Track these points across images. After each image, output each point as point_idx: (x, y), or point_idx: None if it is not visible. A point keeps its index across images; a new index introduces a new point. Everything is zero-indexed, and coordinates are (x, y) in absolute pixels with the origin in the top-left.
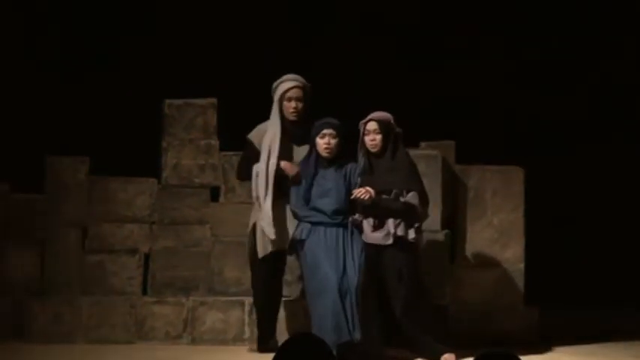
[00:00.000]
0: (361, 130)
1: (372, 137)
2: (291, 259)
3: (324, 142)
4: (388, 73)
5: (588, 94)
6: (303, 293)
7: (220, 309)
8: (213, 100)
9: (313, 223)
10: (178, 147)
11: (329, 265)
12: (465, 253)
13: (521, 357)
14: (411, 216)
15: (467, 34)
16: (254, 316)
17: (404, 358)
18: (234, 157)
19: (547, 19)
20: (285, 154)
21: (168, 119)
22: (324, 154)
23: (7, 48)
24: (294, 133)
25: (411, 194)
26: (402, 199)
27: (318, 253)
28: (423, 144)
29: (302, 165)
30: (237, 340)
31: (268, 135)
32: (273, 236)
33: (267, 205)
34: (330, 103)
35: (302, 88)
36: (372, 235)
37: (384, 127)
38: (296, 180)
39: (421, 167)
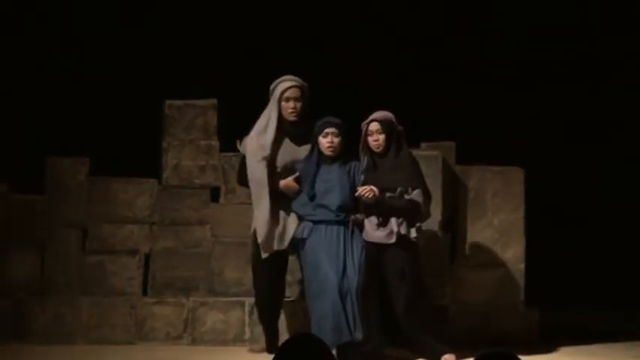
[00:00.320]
0: (363, 130)
1: (375, 137)
2: (292, 260)
3: (327, 140)
4: (388, 74)
5: (589, 93)
6: (303, 294)
7: (221, 309)
8: (214, 101)
9: (315, 222)
10: (179, 148)
11: (329, 265)
12: (465, 253)
13: (521, 357)
14: (416, 214)
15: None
16: (254, 316)
17: (404, 358)
18: (234, 158)
19: (545, 19)
20: (284, 153)
21: (169, 120)
22: (327, 152)
23: (7, 48)
24: (294, 133)
25: (415, 192)
26: (406, 197)
27: (319, 252)
28: (423, 144)
29: (304, 163)
30: (238, 340)
31: (259, 136)
32: (260, 239)
33: (263, 207)
34: (329, 104)
35: (300, 88)
36: (374, 234)
37: (386, 126)
38: (296, 193)
39: (422, 168)
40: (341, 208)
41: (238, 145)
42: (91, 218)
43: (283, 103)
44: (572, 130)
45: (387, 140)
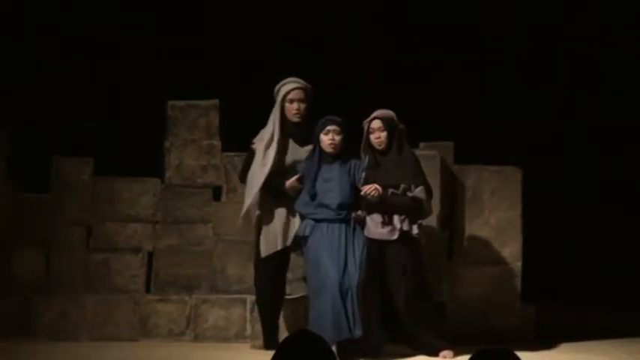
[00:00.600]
0: (365, 128)
1: (377, 135)
2: (293, 258)
3: (329, 138)
4: (387, 75)
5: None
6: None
7: (222, 306)
8: (216, 102)
9: (317, 220)
10: (181, 147)
11: (330, 262)
12: (463, 251)
13: (518, 354)
14: (418, 211)
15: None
16: (255, 313)
17: (403, 354)
18: (235, 158)
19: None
20: (282, 152)
21: (172, 120)
22: (328, 149)
23: (10, 48)
24: (297, 134)
25: (418, 189)
26: (409, 194)
27: (321, 250)
28: (422, 145)
29: (306, 162)
30: (239, 337)
31: (265, 140)
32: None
33: (247, 203)
34: (328, 105)
35: (304, 89)
36: (376, 231)
37: (388, 124)
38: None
39: None
40: (341, 207)
41: (253, 146)
42: (95, 217)
43: (287, 105)
44: (568, 130)
45: (389, 138)
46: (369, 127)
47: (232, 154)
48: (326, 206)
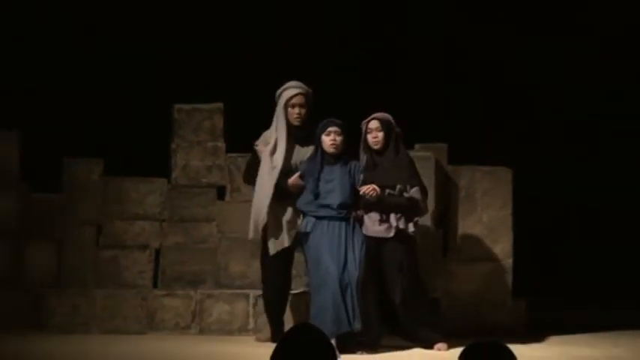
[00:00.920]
0: (363, 129)
1: (374, 135)
2: (298, 255)
3: (330, 138)
4: (387, 76)
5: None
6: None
7: (226, 301)
8: (220, 105)
9: (318, 217)
10: (187, 149)
11: (330, 259)
12: (456, 248)
13: (509, 346)
14: (414, 210)
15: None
16: (258, 307)
17: (400, 347)
18: (239, 159)
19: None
20: (288, 154)
21: (178, 123)
22: (330, 150)
23: (24, 52)
24: (298, 136)
25: (414, 189)
26: (405, 194)
27: (321, 246)
28: (417, 146)
29: (308, 163)
30: (243, 330)
31: (270, 145)
32: (250, 238)
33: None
34: (328, 106)
35: (305, 94)
36: (373, 229)
37: (385, 125)
38: (299, 191)
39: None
40: (342, 206)
41: (256, 147)
42: (104, 215)
43: (289, 109)
44: (560, 131)
45: (386, 138)
46: (366, 127)
47: (236, 155)
48: (327, 206)
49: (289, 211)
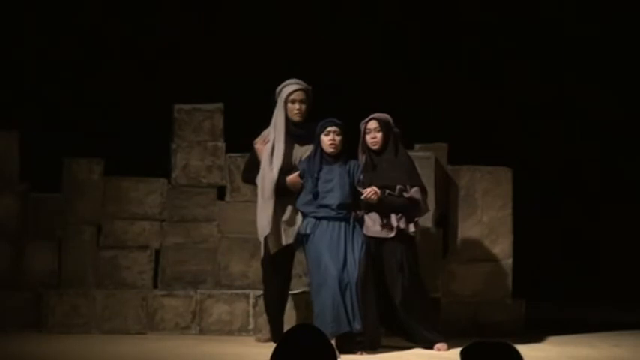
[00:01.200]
0: (362, 129)
1: (373, 135)
2: (298, 255)
3: (329, 139)
4: (385, 77)
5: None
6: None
7: (226, 301)
8: (220, 105)
9: (317, 218)
10: (187, 149)
11: (330, 258)
12: (456, 248)
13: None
14: (415, 211)
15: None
16: (258, 307)
17: (400, 346)
18: (239, 159)
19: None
20: (287, 153)
21: (178, 123)
22: (329, 150)
23: (24, 52)
24: (297, 133)
25: (414, 189)
26: (405, 195)
27: (321, 247)
28: (417, 146)
29: (307, 162)
30: (243, 330)
31: (270, 144)
32: (261, 238)
33: (267, 215)
34: (326, 107)
35: (305, 91)
36: (374, 229)
37: (384, 125)
38: (298, 190)
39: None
40: (341, 207)
41: (255, 146)
42: (105, 215)
43: (289, 105)
44: (558, 132)
45: (385, 139)
46: (365, 127)
47: (236, 155)
48: (327, 206)
49: (289, 209)
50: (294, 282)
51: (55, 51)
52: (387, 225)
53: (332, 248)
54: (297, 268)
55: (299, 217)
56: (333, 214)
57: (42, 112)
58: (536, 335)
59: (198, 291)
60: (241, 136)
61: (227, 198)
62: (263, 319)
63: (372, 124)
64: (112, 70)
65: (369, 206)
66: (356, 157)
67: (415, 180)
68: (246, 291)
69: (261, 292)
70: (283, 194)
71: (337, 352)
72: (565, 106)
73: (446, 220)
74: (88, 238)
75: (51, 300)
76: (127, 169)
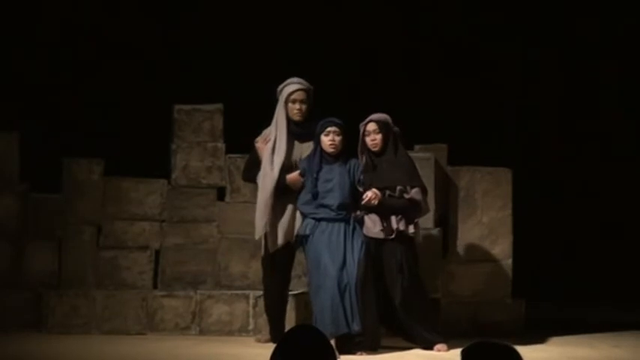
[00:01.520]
0: (361, 131)
1: (372, 137)
2: (298, 255)
3: (329, 139)
4: (385, 77)
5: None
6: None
7: (226, 302)
8: (220, 106)
9: (317, 219)
10: (187, 150)
11: (330, 259)
12: (456, 249)
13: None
14: (415, 211)
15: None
16: (258, 308)
17: (399, 347)
18: (239, 160)
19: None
20: (288, 151)
21: (178, 123)
22: (329, 150)
23: (21, 52)
24: (297, 132)
25: (414, 190)
26: (406, 195)
27: (321, 248)
28: (417, 147)
29: (307, 162)
30: (243, 331)
31: (271, 143)
32: (257, 237)
33: (265, 214)
34: (326, 107)
35: (306, 90)
36: (373, 230)
37: (383, 126)
38: (299, 188)
39: None
40: (341, 207)
41: (256, 144)
42: (104, 216)
43: (290, 105)
44: (556, 132)
45: (384, 140)
46: (364, 129)
47: (236, 155)
48: (327, 207)
49: (289, 208)
50: (294, 283)
51: (55, 51)
52: (386, 223)
53: (331, 249)
54: (297, 269)
55: (299, 217)
56: (332, 214)
57: (42, 112)
58: (536, 335)
59: (198, 292)
60: (241, 137)
61: (227, 198)
62: (263, 319)
63: (371, 126)
64: (112, 70)
65: (369, 208)
66: (356, 157)
67: (415, 180)
68: (246, 292)
69: (261, 292)
70: (284, 193)
71: (337, 353)
72: (565, 105)
73: (446, 220)
74: (88, 238)
75: (51, 300)
76: (127, 169)
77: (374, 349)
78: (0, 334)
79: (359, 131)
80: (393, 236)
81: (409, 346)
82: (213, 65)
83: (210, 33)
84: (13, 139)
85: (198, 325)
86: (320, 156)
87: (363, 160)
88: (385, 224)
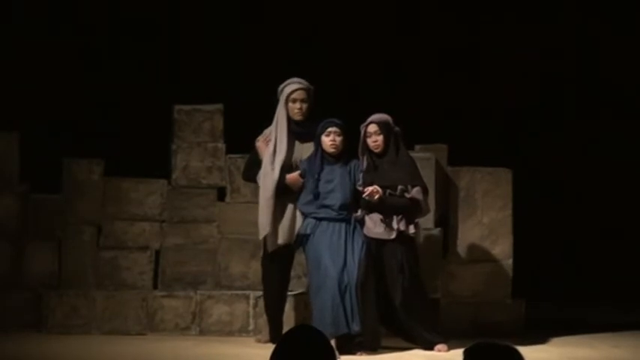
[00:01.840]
0: (362, 132)
1: (374, 139)
2: (298, 255)
3: (330, 139)
4: (385, 77)
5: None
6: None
7: (226, 302)
8: (220, 106)
9: (318, 219)
10: (187, 150)
11: (330, 259)
12: (456, 249)
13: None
14: (416, 211)
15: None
16: (258, 308)
17: (399, 347)
18: (239, 160)
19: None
20: (288, 151)
21: (178, 124)
22: (330, 150)
23: (22, 52)
24: (298, 131)
25: (415, 189)
26: (407, 195)
27: (321, 248)
28: (417, 147)
29: (307, 163)
30: (243, 331)
31: (271, 143)
32: (261, 237)
33: (267, 214)
34: (327, 107)
35: (306, 90)
36: (374, 230)
37: (384, 127)
38: (298, 189)
39: None
40: (342, 207)
41: (257, 144)
42: (104, 216)
43: (290, 104)
44: (556, 132)
45: (386, 141)
46: (365, 131)
47: (236, 156)
48: (328, 207)
49: (289, 208)
50: (293, 283)
51: (56, 50)
52: (387, 222)
53: (332, 249)
54: (297, 269)
55: (299, 217)
56: (334, 214)
57: (42, 112)
58: (536, 336)
59: (198, 292)
60: (241, 137)
61: (227, 199)
62: (263, 320)
63: (372, 128)
64: (112, 70)
65: (370, 206)
66: (357, 158)
67: (417, 180)
68: (247, 292)
69: (261, 293)
70: (284, 192)
71: (337, 353)
72: (565, 105)
73: (446, 220)
74: (88, 238)
75: (51, 301)
76: (127, 170)
77: (374, 349)
78: (0, 334)
79: (359, 132)
80: (393, 236)
81: (409, 346)
82: (213, 65)
83: (210, 33)
84: (13, 139)
85: (198, 325)
86: (321, 157)
87: (364, 161)
88: (386, 218)
